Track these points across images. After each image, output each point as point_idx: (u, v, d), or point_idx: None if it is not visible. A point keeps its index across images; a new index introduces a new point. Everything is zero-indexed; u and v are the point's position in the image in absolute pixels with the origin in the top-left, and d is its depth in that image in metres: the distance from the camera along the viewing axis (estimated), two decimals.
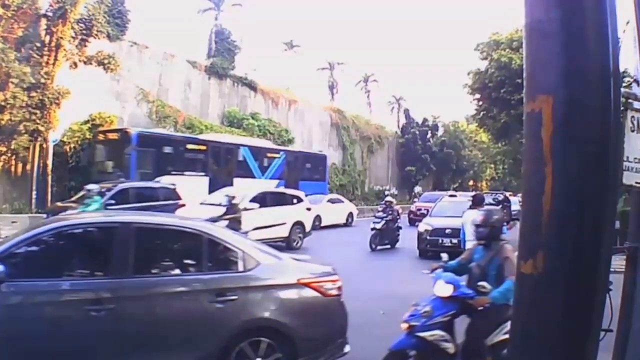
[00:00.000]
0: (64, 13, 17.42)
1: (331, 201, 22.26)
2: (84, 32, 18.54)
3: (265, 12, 74.03)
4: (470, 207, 8.89)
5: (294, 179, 22.97)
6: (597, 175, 1.49)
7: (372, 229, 14.68)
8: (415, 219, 22.59)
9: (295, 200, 15.18)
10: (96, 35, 18.92)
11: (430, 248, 12.90)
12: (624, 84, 2.99)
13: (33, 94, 16.47)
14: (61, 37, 17.54)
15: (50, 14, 17.67)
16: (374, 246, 14.52)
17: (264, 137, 26.64)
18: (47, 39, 17.55)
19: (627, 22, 2.86)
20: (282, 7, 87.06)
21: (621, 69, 1.73)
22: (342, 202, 23.51)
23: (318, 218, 19.21)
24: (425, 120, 46.56)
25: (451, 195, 23.11)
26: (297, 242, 14.50)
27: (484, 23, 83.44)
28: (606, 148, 1.50)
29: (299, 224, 14.61)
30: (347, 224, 23.00)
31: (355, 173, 37.48)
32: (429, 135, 46.31)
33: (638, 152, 2.67)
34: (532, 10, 1.59)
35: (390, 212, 15.03)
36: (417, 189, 40.11)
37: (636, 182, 2.66)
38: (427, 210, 22.24)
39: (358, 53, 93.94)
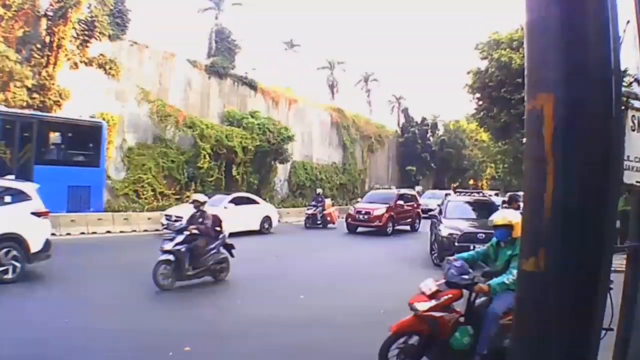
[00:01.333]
0: (65, 13, 17.44)
1: (236, 202, 17.05)
2: (86, 33, 18.58)
3: (265, 12, 74.17)
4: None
5: (21, 161, 14.90)
6: (598, 174, 1.48)
7: (162, 252, 8.55)
8: (355, 223, 19.13)
9: (8, 199, 8.84)
10: (98, 37, 18.94)
11: None
12: (624, 83, 2.98)
13: (35, 95, 16.47)
14: (62, 37, 17.57)
15: (50, 14, 17.69)
16: (163, 282, 8.33)
17: (263, 135, 26.30)
18: (48, 39, 17.57)
19: (628, 22, 2.86)
20: (283, 6, 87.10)
21: (622, 68, 1.72)
22: (256, 203, 18.61)
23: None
24: (424, 119, 46.64)
25: (404, 194, 21.11)
26: (9, 272, 8.47)
27: (484, 22, 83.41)
28: (607, 146, 1.49)
29: (10, 240, 8.58)
30: (263, 231, 17.98)
31: (356, 172, 37.47)
32: (429, 134, 46.38)
33: (638, 152, 2.66)
34: (533, 7, 1.58)
35: (200, 221, 9.03)
36: (418, 188, 40.10)
37: (637, 182, 2.65)
38: (369, 213, 18.73)
39: (358, 52, 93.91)
